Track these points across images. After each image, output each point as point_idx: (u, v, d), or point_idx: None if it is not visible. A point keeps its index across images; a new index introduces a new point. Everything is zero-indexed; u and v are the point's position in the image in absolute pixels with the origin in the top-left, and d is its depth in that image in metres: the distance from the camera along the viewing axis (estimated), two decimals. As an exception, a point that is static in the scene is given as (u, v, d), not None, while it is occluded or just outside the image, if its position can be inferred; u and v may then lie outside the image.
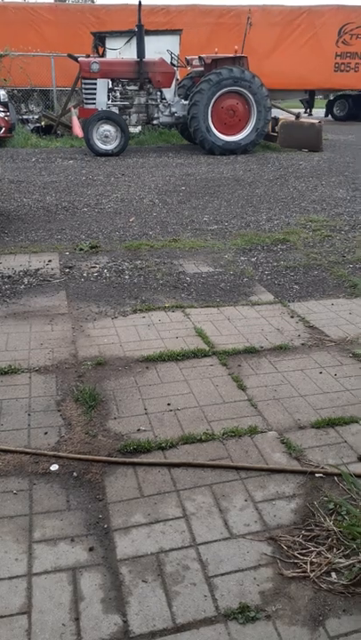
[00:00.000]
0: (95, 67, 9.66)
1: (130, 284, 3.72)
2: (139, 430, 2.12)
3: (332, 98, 19.35)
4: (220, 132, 9.94)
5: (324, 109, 19.60)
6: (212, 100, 9.74)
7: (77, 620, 1.38)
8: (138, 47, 9.69)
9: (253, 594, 1.46)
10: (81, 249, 4.46)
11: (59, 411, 2.24)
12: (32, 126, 12.19)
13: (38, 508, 1.73)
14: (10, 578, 1.49)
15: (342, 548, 1.61)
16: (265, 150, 10.75)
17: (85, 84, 9.79)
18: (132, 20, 13.22)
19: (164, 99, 10.15)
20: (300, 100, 19.33)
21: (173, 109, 10.19)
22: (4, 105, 10.80)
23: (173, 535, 1.64)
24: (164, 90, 10.10)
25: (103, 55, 11.59)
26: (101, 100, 9.77)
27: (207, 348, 2.78)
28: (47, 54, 13.08)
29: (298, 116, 10.88)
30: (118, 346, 2.81)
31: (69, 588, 1.47)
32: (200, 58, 10.25)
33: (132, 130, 10.72)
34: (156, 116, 10.25)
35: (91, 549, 1.58)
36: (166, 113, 10.22)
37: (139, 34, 9.67)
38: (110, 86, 9.86)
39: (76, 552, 1.57)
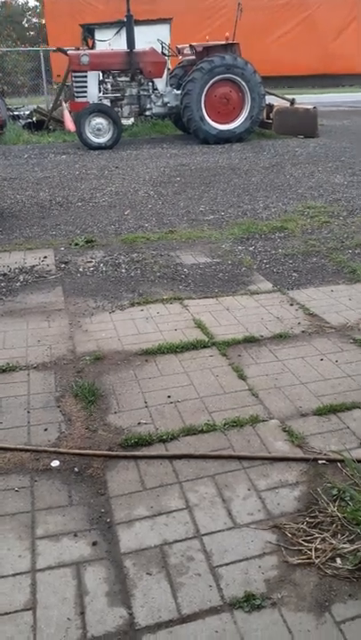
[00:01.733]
0: (85, 59, 9.55)
1: (127, 278, 3.70)
2: (139, 423, 2.11)
3: None
4: (214, 120, 9.84)
5: None
6: (205, 89, 9.62)
7: (83, 615, 1.37)
8: (128, 38, 9.57)
9: (259, 582, 1.46)
10: (76, 244, 4.43)
11: (58, 407, 2.23)
12: (23, 122, 12.09)
13: (40, 504, 1.72)
14: (14, 574, 1.49)
15: (347, 533, 1.60)
16: (260, 138, 10.65)
17: (76, 77, 9.68)
18: (181, 7, 12.81)
19: (156, 89, 10.05)
20: None
21: (166, 99, 10.08)
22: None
23: (177, 527, 1.63)
24: (155, 80, 9.99)
25: (93, 47, 11.47)
26: (92, 93, 9.67)
27: (206, 339, 2.77)
28: (37, 49, 12.93)
29: (292, 102, 10.77)
30: (117, 340, 2.80)
31: (74, 582, 1.46)
32: (191, 46, 10.13)
33: (124, 122, 10.63)
34: (148, 106, 10.15)
35: (94, 544, 1.58)
36: (159, 103, 10.12)
37: (128, 24, 9.55)
38: (101, 78, 9.75)
39: (79, 547, 1.57)
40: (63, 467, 1.88)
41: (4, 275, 3.77)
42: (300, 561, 1.53)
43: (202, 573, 1.49)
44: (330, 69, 15.23)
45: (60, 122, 11.81)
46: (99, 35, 11.23)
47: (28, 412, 2.20)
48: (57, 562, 1.52)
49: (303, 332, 2.85)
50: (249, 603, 1.40)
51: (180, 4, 13.68)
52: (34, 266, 3.95)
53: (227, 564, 1.51)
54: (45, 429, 2.08)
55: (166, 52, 10.44)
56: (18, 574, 1.49)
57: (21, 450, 1.95)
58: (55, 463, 1.89)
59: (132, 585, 1.46)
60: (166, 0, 14.05)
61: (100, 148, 9.53)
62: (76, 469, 1.87)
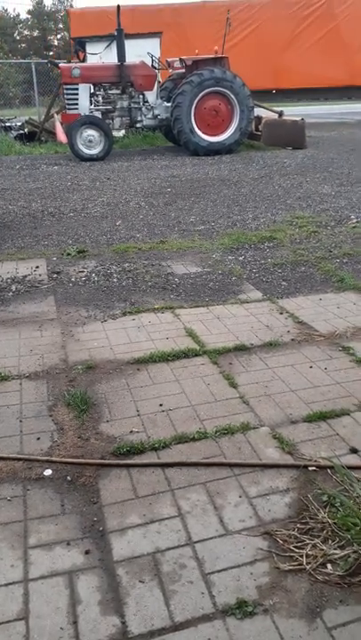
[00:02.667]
0: (76, 72, 9.66)
1: (118, 287, 3.72)
2: (131, 432, 2.12)
3: None
4: (203, 132, 9.97)
5: None
6: (195, 102, 9.77)
7: (75, 624, 1.37)
8: (118, 51, 9.70)
9: (250, 589, 1.47)
10: (68, 254, 4.45)
11: (50, 416, 2.23)
12: (15, 133, 12.16)
13: (33, 513, 1.72)
14: (6, 584, 1.48)
15: (337, 539, 1.62)
16: (249, 149, 10.80)
17: (67, 89, 9.78)
18: (205, 19, 12.71)
19: (147, 101, 10.17)
20: None
21: (156, 112, 10.21)
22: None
23: (169, 534, 1.64)
24: (146, 93, 10.12)
25: (84, 60, 11.59)
26: (84, 105, 9.77)
27: (198, 348, 2.79)
28: (29, 61, 13.00)
29: (280, 114, 10.95)
30: (108, 349, 2.81)
31: (66, 591, 1.46)
32: (181, 60, 10.29)
33: (115, 134, 10.72)
34: (139, 119, 10.27)
35: (87, 552, 1.58)
36: (149, 116, 10.24)
37: (119, 38, 9.69)
38: (92, 91, 9.86)
39: (72, 556, 1.57)
40: (56, 475, 1.88)
41: (-4, 285, 3.77)
42: (291, 567, 1.54)
43: (194, 581, 1.49)
44: (357, 81, 15.11)
45: (52, 133, 11.89)
46: (90, 48, 11.37)
47: (21, 421, 2.20)
48: (49, 571, 1.52)
49: (293, 340, 2.89)
50: (241, 609, 1.41)
51: (204, 16, 13.69)
52: (26, 275, 3.96)
53: (219, 571, 1.52)
54: (38, 438, 2.08)
55: (156, 65, 10.58)
56: (10, 584, 1.48)
57: (14, 459, 1.95)
58: (48, 472, 1.90)
59: (125, 593, 1.46)
60: (190, 14, 14.05)
61: (91, 159, 9.60)
62: (68, 478, 1.87)
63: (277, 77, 14.70)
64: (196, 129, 9.89)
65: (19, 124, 12.82)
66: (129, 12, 14.55)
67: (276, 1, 14.61)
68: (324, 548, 1.59)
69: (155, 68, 10.42)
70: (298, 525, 1.67)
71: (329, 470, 1.89)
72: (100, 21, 13.92)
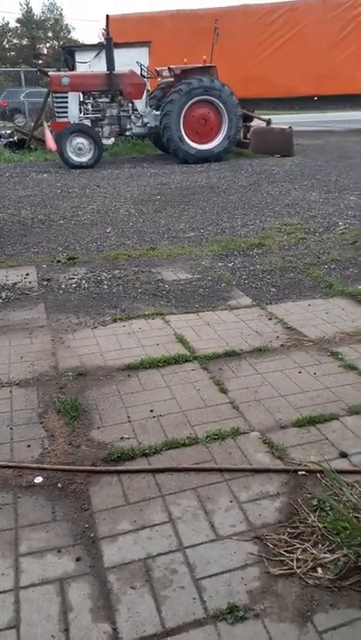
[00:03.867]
0: (66, 80, 9.71)
1: (109, 294, 3.73)
2: (122, 438, 2.12)
3: None
4: (192, 140, 10.05)
5: None
6: (184, 110, 9.86)
7: (67, 631, 1.37)
8: (107, 60, 9.77)
9: (241, 593, 1.47)
10: (58, 261, 4.45)
11: (41, 423, 2.23)
12: (4, 141, 12.16)
13: (24, 521, 1.71)
14: (-4, 593, 1.47)
15: (327, 543, 1.63)
16: (238, 157, 10.89)
17: (57, 97, 9.82)
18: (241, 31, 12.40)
19: (136, 110, 10.24)
20: None
21: (146, 120, 10.28)
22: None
23: (160, 540, 1.64)
24: (135, 101, 10.19)
25: (73, 69, 11.65)
26: (73, 114, 9.81)
27: (188, 354, 2.80)
28: (17, 69, 13.03)
29: (268, 122, 11.08)
30: (99, 355, 2.81)
31: (57, 599, 1.46)
32: (169, 69, 10.38)
33: (105, 142, 10.77)
34: (128, 127, 10.33)
35: (78, 559, 1.58)
36: (139, 124, 10.31)
37: (108, 46, 9.76)
38: (82, 99, 9.91)
39: (63, 563, 1.57)
40: (46, 483, 1.88)
41: (-15, 292, 3.76)
42: (281, 571, 1.55)
43: (185, 586, 1.50)
44: None
45: (42, 141, 11.90)
46: (79, 57, 11.43)
47: (11, 428, 2.19)
48: (41, 579, 1.52)
49: (282, 345, 2.91)
50: (232, 614, 1.41)
51: (238, 29, 13.49)
52: (16, 283, 3.95)
53: (210, 576, 1.52)
54: (28, 446, 2.08)
55: (145, 73, 10.66)
56: (1, 592, 1.47)
57: (4, 466, 1.94)
58: (38, 479, 1.89)
59: (117, 600, 1.46)
60: (235, 19, 13.76)
61: (81, 167, 9.63)
62: (59, 485, 1.87)
63: (320, 83, 14.08)
64: (185, 137, 9.96)
65: (8, 131, 12.83)
66: (169, 17, 14.27)
67: (320, 2, 13.98)
68: (315, 551, 1.60)
69: (143, 76, 10.50)
70: (288, 530, 1.68)
71: (319, 475, 1.90)
72: (139, 27, 13.54)
